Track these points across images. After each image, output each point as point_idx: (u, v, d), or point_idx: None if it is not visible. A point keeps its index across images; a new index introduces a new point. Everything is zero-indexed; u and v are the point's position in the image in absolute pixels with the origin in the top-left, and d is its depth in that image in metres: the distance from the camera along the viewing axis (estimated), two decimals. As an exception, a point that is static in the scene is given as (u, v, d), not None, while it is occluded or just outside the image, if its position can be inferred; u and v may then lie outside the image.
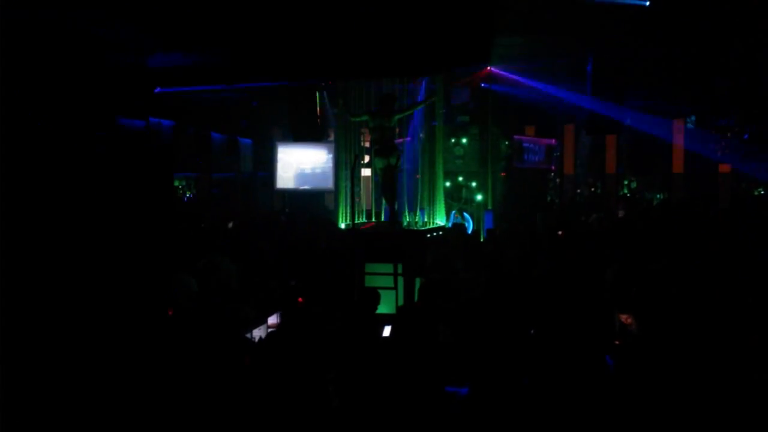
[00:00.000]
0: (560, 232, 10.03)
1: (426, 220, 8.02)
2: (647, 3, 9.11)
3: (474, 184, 14.76)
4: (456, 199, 13.57)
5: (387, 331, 4.93)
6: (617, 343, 4.91)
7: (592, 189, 19.75)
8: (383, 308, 5.31)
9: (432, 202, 8.08)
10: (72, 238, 3.64)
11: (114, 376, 3.67)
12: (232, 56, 5.67)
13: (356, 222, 7.69)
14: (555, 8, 9.55)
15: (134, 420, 3.66)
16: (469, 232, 12.14)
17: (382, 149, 7.36)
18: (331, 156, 16.37)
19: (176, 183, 16.62)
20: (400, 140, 8.03)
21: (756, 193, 16.84)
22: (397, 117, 7.58)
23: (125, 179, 4.02)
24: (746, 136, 14.63)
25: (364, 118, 7.68)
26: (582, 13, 9.74)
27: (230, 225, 11.79)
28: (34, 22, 3.82)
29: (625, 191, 19.67)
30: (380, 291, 5.42)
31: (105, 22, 4.19)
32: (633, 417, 3.36)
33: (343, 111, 7.94)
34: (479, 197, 14.75)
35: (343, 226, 7.98)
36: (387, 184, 7.52)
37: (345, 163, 8.21)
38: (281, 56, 5.75)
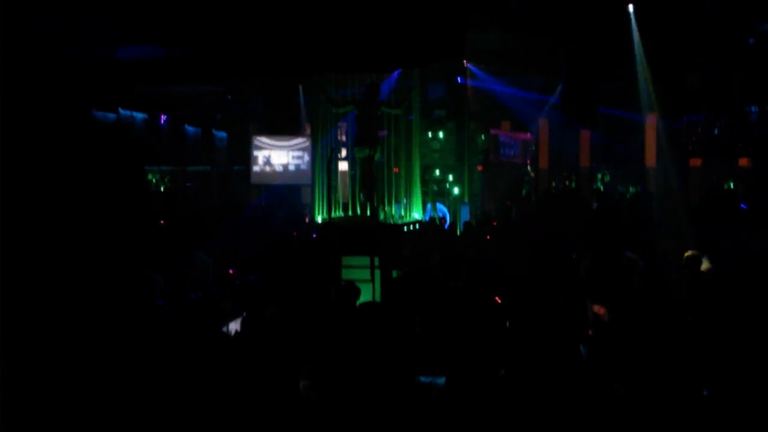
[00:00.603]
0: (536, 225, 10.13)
1: (403, 213, 8.03)
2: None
3: (451, 177, 14.84)
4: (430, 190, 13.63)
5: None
6: (590, 333, 4.99)
7: (566, 182, 19.96)
8: (360, 302, 5.31)
9: (409, 196, 8.10)
10: (43, 231, 3.57)
11: (83, 370, 3.62)
12: (203, 50, 5.61)
13: (333, 215, 7.67)
14: (530, 5, 9.64)
15: (107, 415, 3.61)
16: (447, 225, 12.21)
17: (365, 139, 7.29)
18: (308, 149, 16.30)
19: (149, 176, 16.36)
20: (383, 133, 7.98)
21: (726, 186, 17.22)
22: (384, 110, 7.53)
23: (96, 172, 3.95)
24: (716, 131, 14.93)
25: (350, 108, 7.60)
26: (556, 10, 9.85)
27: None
28: (7, 20, 3.73)
29: (599, 185, 19.92)
30: (358, 285, 5.41)
31: (74, 15, 4.11)
32: (606, 406, 3.42)
33: (326, 104, 7.85)
34: (456, 191, 14.84)
35: (319, 219, 7.96)
36: (365, 176, 7.49)
37: (322, 157, 8.17)
38: (254, 51, 5.70)
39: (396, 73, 9.97)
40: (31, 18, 4.00)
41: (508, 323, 4.60)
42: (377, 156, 7.41)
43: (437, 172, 14.34)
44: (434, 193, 13.75)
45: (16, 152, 3.55)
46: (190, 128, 16.74)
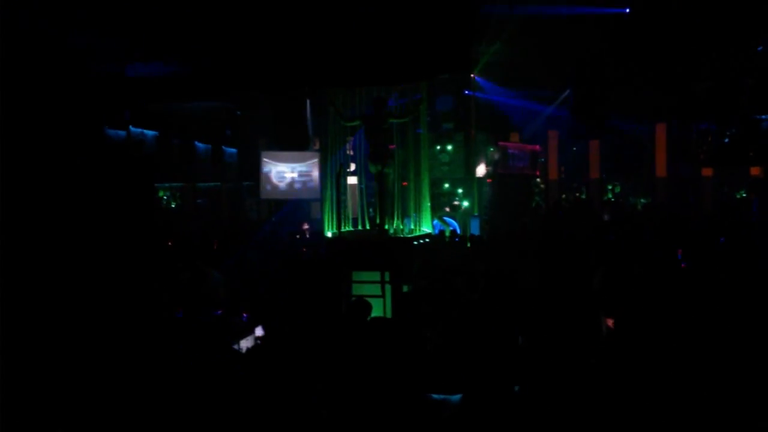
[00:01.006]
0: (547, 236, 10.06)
1: (413, 227, 8.00)
2: (627, 10, 9.25)
3: (460, 190, 14.81)
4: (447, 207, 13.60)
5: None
6: (604, 347, 4.91)
7: (577, 194, 19.89)
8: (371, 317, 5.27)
9: (418, 210, 8.06)
10: (53, 249, 3.58)
11: (97, 385, 3.60)
12: (212, 66, 5.64)
13: (343, 230, 7.65)
14: (536, 19, 9.67)
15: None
16: (458, 236, 12.16)
17: (375, 154, 7.32)
18: (316, 164, 16.35)
19: (160, 193, 16.47)
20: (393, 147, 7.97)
21: (738, 195, 17.06)
22: (391, 121, 7.55)
23: (106, 190, 3.96)
24: (726, 139, 14.82)
25: (356, 123, 7.64)
26: (564, 23, 9.87)
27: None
28: (15, 34, 3.77)
29: (610, 196, 19.82)
30: (369, 300, 5.37)
31: (82, 32, 4.15)
32: (621, 420, 3.36)
33: (335, 118, 7.87)
34: (465, 203, 14.79)
35: (329, 234, 7.94)
36: (381, 190, 7.51)
37: (331, 172, 8.17)
38: (261, 66, 5.73)
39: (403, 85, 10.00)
40: (45, 34, 4.04)
41: (521, 338, 4.53)
42: (387, 169, 7.40)
43: (446, 185, 14.31)
44: (443, 205, 13.70)
45: (29, 168, 3.57)
46: (200, 145, 16.87)
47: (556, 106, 16.00)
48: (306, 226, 13.44)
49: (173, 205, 17.45)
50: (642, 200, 18.37)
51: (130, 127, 12.67)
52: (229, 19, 4.83)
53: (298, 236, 12.61)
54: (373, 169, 7.39)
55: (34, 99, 3.79)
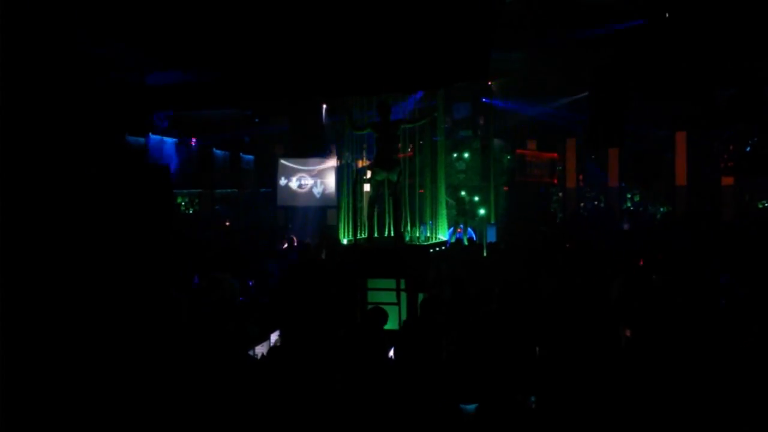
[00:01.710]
0: (567, 245, 9.99)
1: (429, 234, 7.98)
2: (642, 22, 9.18)
3: (477, 198, 14.76)
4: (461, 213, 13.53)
5: (391, 352, 4.87)
6: (622, 357, 4.84)
7: (595, 203, 19.72)
8: (387, 325, 5.26)
9: (434, 217, 8.05)
10: (74, 255, 3.62)
11: (111, 391, 3.63)
12: (229, 75, 5.68)
13: (358, 237, 7.65)
14: (555, 23, 9.62)
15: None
16: (474, 244, 12.10)
17: (383, 162, 7.29)
18: (333, 171, 16.40)
19: (178, 200, 16.65)
20: (407, 154, 7.95)
21: (760, 205, 16.78)
22: (405, 126, 7.55)
23: (125, 196, 4.01)
24: (748, 148, 14.60)
25: (367, 130, 7.65)
26: (583, 31, 9.81)
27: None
28: (35, 42, 3.84)
29: (628, 205, 19.62)
30: (384, 308, 5.36)
31: (103, 41, 4.21)
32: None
33: (349, 126, 7.89)
34: (482, 211, 14.74)
35: (345, 242, 7.95)
36: (378, 198, 7.50)
37: (347, 179, 8.19)
38: (277, 74, 5.75)
39: (420, 93, 10.00)
40: (66, 43, 4.10)
41: (538, 348, 4.49)
42: (394, 177, 7.37)
43: (463, 192, 14.27)
44: (462, 213, 13.61)
45: (46, 176, 3.62)
46: (218, 152, 17.03)
47: (574, 113, 15.90)
48: (292, 242, 12.64)
49: (191, 212, 17.64)
50: (662, 209, 18.16)
51: (150, 134, 12.84)
52: (247, 27, 4.87)
53: (285, 245, 12.07)
54: (377, 176, 7.35)
55: (53, 107, 3.85)
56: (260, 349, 5.67)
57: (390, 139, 7.31)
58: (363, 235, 7.70)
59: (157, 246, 4.26)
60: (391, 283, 6.88)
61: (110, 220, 3.85)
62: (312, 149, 16.53)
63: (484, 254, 10.87)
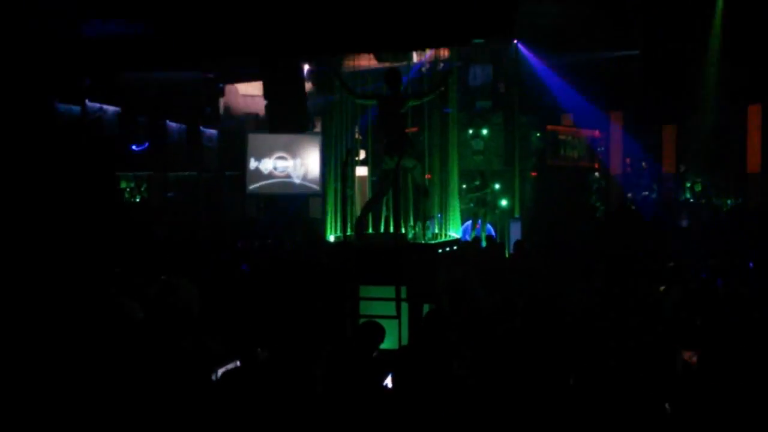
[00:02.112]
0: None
1: (437, 231, 7.98)
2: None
3: (497, 186, 14.77)
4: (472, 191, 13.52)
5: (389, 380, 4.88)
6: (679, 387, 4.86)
7: (645, 193, 19.75)
8: (383, 344, 5.26)
9: (444, 209, 8.04)
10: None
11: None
12: (182, 24, 5.61)
13: (349, 234, 7.65)
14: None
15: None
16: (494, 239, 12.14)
17: (392, 145, 7.25)
18: (317, 151, 16.39)
19: (122, 184, 16.60)
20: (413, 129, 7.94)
21: None
22: (411, 103, 7.52)
23: (54, 177, 3.98)
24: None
25: (373, 102, 7.62)
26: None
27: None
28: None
29: (688, 195, 19.63)
30: (380, 322, 5.37)
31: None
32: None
33: (341, 92, 7.85)
34: (504, 203, 14.76)
35: (332, 239, 7.94)
36: (383, 191, 7.51)
37: (335, 160, 8.17)
38: (251, 24, 5.70)
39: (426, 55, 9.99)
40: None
41: (572, 377, 4.50)
42: (408, 163, 7.35)
43: (478, 182, 14.29)
44: (483, 203, 13.59)
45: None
46: (172, 125, 16.96)
47: (620, 80, 15.88)
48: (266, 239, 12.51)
49: (137, 199, 17.56)
50: (729, 201, 18.18)
51: (87, 101, 12.78)
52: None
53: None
54: (388, 164, 7.32)
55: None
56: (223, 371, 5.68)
57: (399, 117, 7.29)
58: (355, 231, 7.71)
59: (94, 235, 4.25)
60: (389, 291, 6.89)
61: (34, 207, 3.83)
62: (291, 123, 16.50)
63: (506, 255, 10.91)
